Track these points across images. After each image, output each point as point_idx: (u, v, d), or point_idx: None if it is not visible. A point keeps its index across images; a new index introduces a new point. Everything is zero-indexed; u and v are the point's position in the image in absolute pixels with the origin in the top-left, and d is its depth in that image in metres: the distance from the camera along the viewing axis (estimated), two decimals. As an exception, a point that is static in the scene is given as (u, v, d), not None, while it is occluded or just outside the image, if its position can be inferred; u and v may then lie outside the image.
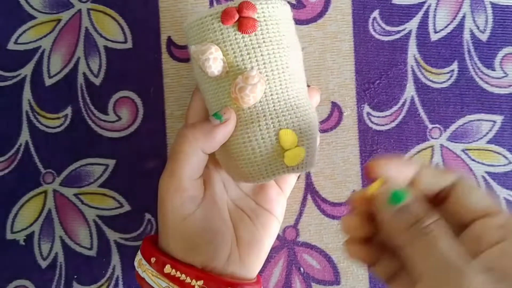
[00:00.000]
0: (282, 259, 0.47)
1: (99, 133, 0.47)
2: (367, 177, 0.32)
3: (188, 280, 0.37)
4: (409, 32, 0.48)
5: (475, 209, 0.31)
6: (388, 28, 0.48)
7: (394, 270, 0.33)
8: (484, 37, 0.48)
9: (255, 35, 0.37)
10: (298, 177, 0.47)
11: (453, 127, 0.48)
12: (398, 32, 0.48)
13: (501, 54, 0.48)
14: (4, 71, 0.47)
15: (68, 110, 0.47)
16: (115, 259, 0.47)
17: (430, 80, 0.48)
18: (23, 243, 0.47)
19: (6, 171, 0.47)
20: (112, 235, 0.47)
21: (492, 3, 0.48)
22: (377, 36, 0.48)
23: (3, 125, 0.47)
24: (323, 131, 0.48)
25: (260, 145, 0.37)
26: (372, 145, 0.48)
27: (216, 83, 0.38)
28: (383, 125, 0.48)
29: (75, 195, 0.47)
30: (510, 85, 0.48)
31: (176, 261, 0.37)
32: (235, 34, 0.37)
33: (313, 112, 0.39)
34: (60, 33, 0.47)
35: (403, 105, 0.48)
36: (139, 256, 0.40)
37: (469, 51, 0.48)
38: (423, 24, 0.48)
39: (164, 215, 0.38)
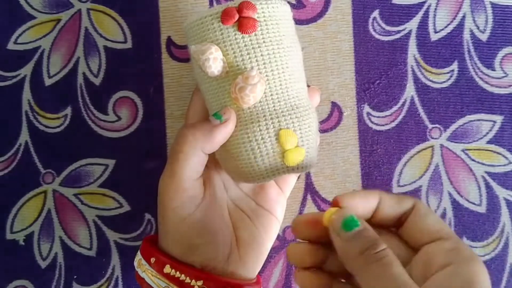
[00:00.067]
0: (282, 259, 0.47)
1: (99, 133, 0.47)
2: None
3: (187, 280, 0.37)
4: (409, 32, 0.48)
5: (430, 231, 0.32)
6: (388, 28, 0.48)
7: None
8: (484, 37, 0.48)
9: (255, 35, 0.37)
10: (298, 177, 0.47)
11: (453, 127, 0.48)
12: (398, 32, 0.48)
13: (501, 54, 0.48)
14: (3, 71, 0.47)
15: (68, 110, 0.47)
16: (115, 259, 0.47)
17: (430, 80, 0.48)
18: (23, 243, 0.47)
19: (6, 171, 0.47)
20: (112, 235, 0.47)
21: (492, 3, 0.48)
22: (377, 36, 0.48)
23: (3, 125, 0.47)
24: (323, 131, 0.48)
25: (260, 145, 0.37)
26: (372, 145, 0.48)
27: (216, 83, 0.38)
28: (383, 125, 0.48)
29: (75, 195, 0.47)
30: (510, 85, 0.48)
31: (175, 261, 0.37)
32: (235, 34, 0.37)
33: (313, 112, 0.39)
34: (59, 33, 0.47)
35: (403, 105, 0.48)
36: (138, 256, 0.40)
37: (469, 51, 0.48)
38: (423, 24, 0.48)
39: (164, 215, 0.38)
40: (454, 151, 0.48)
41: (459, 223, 0.48)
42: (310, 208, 0.47)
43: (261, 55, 0.37)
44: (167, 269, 0.37)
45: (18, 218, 0.47)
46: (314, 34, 0.48)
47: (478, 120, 0.48)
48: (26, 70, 0.47)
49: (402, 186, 0.48)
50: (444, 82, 0.48)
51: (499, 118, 0.48)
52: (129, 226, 0.47)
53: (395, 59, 0.48)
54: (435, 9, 0.48)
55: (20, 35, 0.47)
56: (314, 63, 0.48)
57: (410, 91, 0.48)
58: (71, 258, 0.47)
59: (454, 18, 0.48)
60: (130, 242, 0.47)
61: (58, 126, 0.47)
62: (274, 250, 0.47)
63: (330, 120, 0.48)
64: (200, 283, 0.36)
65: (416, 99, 0.48)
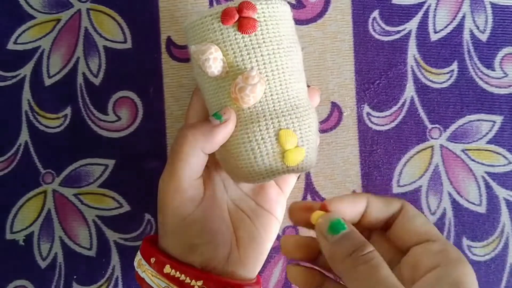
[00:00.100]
0: (282, 259, 0.47)
1: (99, 133, 0.47)
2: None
3: (187, 280, 0.37)
4: (409, 32, 0.48)
5: (418, 232, 0.33)
6: (388, 28, 0.48)
7: None
8: (484, 37, 0.48)
9: (255, 35, 0.37)
10: (298, 177, 0.47)
11: (453, 127, 0.48)
12: (398, 32, 0.48)
13: (501, 54, 0.48)
14: (3, 71, 0.47)
15: (68, 110, 0.47)
16: (115, 259, 0.47)
17: (430, 80, 0.48)
18: (23, 243, 0.47)
19: (6, 171, 0.47)
20: (112, 235, 0.47)
21: (492, 3, 0.48)
22: (377, 36, 0.48)
23: (3, 125, 0.47)
24: (323, 131, 0.48)
25: (260, 145, 0.37)
26: (372, 145, 0.48)
27: (216, 83, 0.38)
28: (383, 125, 0.48)
29: (75, 195, 0.47)
30: (510, 85, 0.48)
31: (175, 261, 0.37)
32: (235, 34, 0.37)
33: (313, 112, 0.39)
34: (59, 33, 0.47)
35: (403, 105, 0.48)
36: (138, 256, 0.40)
37: (469, 51, 0.48)
38: (423, 24, 0.48)
39: (164, 215, 0.38)
40: (454, 151, 0.48)
41: (459, 223, 0.48)
42: (310, 208, 0.47)
43: (261, 55, 0.37)
44: (167, 269, 0.37)
45: (18, 218, 0.47)
46: (314, 34, 0.48)
47: (478, 120, 0.48)
48: (26, 70, 0.47)
49: (402, 186, 0.48)
50: (444, 82, 0.48)
51: (499, 118, 0.48)
52: (129, 226, 0.47)
53: (395, 59, 0.48)
54: (435, 9, 0.48)
55: (20, 35, 0.47)
56: (314, 63, 0.48)
57: (410, 91, 0.48)
58: (71, 258, 0.47)
59: (454, 18, 0.48)
60: (130, 242, 0.47)
61: (58, 126, 0.47)
62: (274, 250, 0.47)
63: (330, 120, 0.48)
64: (200, 283, 0.36)
65: (416, 99, 0.48)
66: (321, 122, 0.48)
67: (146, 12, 0.47)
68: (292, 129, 0.37)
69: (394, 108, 0.48)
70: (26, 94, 0.47)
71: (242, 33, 0.37)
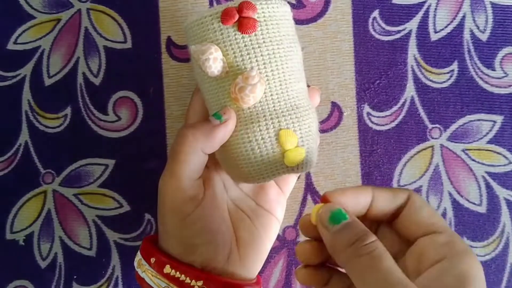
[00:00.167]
0: (282, 259, 0.47)
1: (99, 133, 0.47)
2: None
3: (187, 280, 0.37)
4: (409, 32, 0.48)
5: (424, 223, 0.32)
6: (388, 28, 0.48)
7: None
8: (484, 37, 0.48)
9: (255, 35, 0.37)
10: (298, 177, 0.47)
11: (453, 127, 0.48)
12: (398, 32, 0.48)
13: (501, 54, 0.48)
14: (3, 71, 0.47)
15: (68, 110, 0.47)
16: (115, 259, 0.47)
17: (430, 80, 0.48)
18: (23, 243, 0.47)
19: (6, 171, 0.47)
20: (112, 235, 0.47)
21: (492, 3, 0.48)
22: (377, 36, 0.48)
23: (2, 125, 0.47)
24: (323, 131, 0.48)
25: (260, 145, 0.37)
26: (372, 145, 0.48)
27: (216, 83, 0.38)
28: (383, 125, 0.48)
29: (75, 195, 0.47)
30: (510, 85, 0.48)
31: (175, 261, 0.37)
32: (235, 34, 0.37)
33: (313, 112, 0.39)
34: (59, 33, 0.47)
35: (403, 105, 0.48)
36: (138, 256, 0.40)
37: (469, 51, 0.48)
38: (423, 24, 0.48)
39: (164, 215, 0.38)
40: (454, 151, 0.48)
41: (459, 223, 0.48)
42: (310, 208, 0.47)
43: (261, 55, 0.37)
44: (167, 269, 0.37)
45: (18, 218, 0.47)
46: (314, 34, 0.48)
47: (478, 120, 0.48)
48: (26, 70, 0.47)
49: (402, 186, 0.48)
50: (444, 82, 0.48)
51: (499, 118, 0.48)
52: (129, 226, 0.47)
53: (395, 59, 0.48)
54: (435, 9, 0.48)
55: (20, 35, 0.47)
56: (314, 63, 0.48)
57: (410, 91, 0.48)
58: (71, 258, 0.47)
59: (454, 18, 0.48)
60: (130, 242, 0.47)
61: (58, 126, 0.47)
62: (274, 250, 0.47)
63: (330, 120, 0.48)
64: (200, 283, 0.36)
65: (416, 99, 0.48)
66: (321, 122, 0.48)
67: (146, 12, 0.47)
68: (292, 129, 0.37)
69: (394, 108, 0.48)
70: (26, 94, 0.47)
71: (242, 33, 0.37)
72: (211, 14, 0.37)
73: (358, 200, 0.33)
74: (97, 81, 0.47)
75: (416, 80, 0.48)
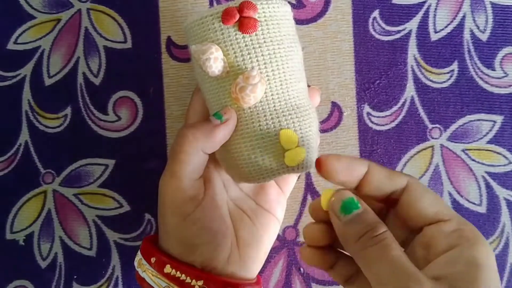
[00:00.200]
0: (282, 259, 0.47)
1: (99, 133, 0.47)
2: (318, 173, 0.33)
3: (188, 280, 0.37)
4: (409, 32, 0.48)
5: (426, 213, 0.31)
6: (388, 28, 0.48)
7: (352, 273, 0.34)
8: (484, 37, 0.48)
9: (256, 35, 0.37)
10: (298, 177, 0.47)
11: (453, 127, 0.48)
12: (398, 32, 0.48)
13: (501, 54, 0.48)
14: (3, 71, 0.47)
15: (68, 110, 0.47)
16: (115, 259, 0.47)
17: (430, 80, 0.48)
18: (23, 243, 0.47)
19: (6, 171, 0.47)
20: (112, 235, 0.47)
21: (492, 3, 0.48)
22: (377, 36, 0.48)
23: (2, 125, 0.47)
24: (323, 131, 0.48)
25: (260, 145, 0.37)
26: (372, 145, 0.48)
27: (216, 83, 0.38)
28: (383, 125, 0.48)
29: (75, 195, 0.47)
30: (510, 85, 0.48)
31: (176, 261, 0.37)
32: (236, 34, 0.37)
33: (314, 112, 0.39)
34: (59, 33, 0.47)
35: (403, 105, 0.48)
36: (139, 256, 0.40)
37: (469, 51, 0.48)
38: (423, 24, 0.48)
39: (164, 215, 0.38)
40: (454, 151, 0.48)
41: (459, 223, 0.48)
42: (310, 208, 0.47)
43: (262, 55, 0.37)
44: (168, 269, 0.37)
45: (18, 218, 0.47)
46: (314, 34, 0.48)
47: (478, 120, 0.48)
48: (26, 70, 0.47)
49: (402, 186, 0.48)
50: (444, 82, 0.48)
51: (499, 118, 0.48)
52: (129, 226, 0.47)
53: (395, 59, 0.48)
54: (435, 9, 0.48)
55: (20, 35, 0.47)
56: (314, 63, 0.48)
57: (410, 91, 0.48)
58: (71, 258, 0.47)
59: (454, 18, 0.48)
60: (130, 242, 0.47)
61: (58, 126, 0.47)
62: (274, 250, 0.47)
63: (330, 120, 0.48)
64: (200, 283, 0.36)
65: (416, 99, 0.48)
66: (321, 122, 0.48)
67: (146, 12, 0.47)
68: (292, 129, 0.37)
69: (395, 108, 0.48)
70: (26, 94, 0.47)
71: (242, 33, 0.37)
72: (211, 14, 0.37)
73: (352, 169, 0.32)
74: (97, 81, 0.47)
75: (416, 80, 0.48)
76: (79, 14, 0.47)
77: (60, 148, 0.47)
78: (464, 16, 0.48)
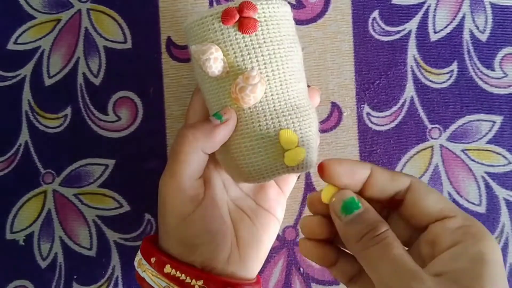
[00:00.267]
0: (282, 259, 0.47)
1: (99, 133, 0.47)
2: (321, 177, 0.33)
3: (188, 280, 0.37)
4: (409, 32, 0.48)
5: (430, 212, 0.31)
6: (387, 28, 0.48)
7: (354, 273, 0.33)
8: (483, 37, 0.48)
9: (256, 35, 0.37)
10: (298, 177, 0.47)
11: (452, 127, 0.48)
12: (398, 32, 0.48)
13: (500, 54, 0.48)
14: (3, 71, 0.47)
15: (68, 110, 0.47)
16: (115, 259, 0.47)
17: (430, 80, 0.48)
18: (23, 243, 0.47)
19: (6, 171, 0.47)
20: (112, 235, 0.47)
21: (491, 3, 0.48)
22: (377, 36, 0.48)
23: (2, 125, 0.47)
24: (323, 131, 0.48)
25: (260, 145, 0.37)
26: (372, 145, 0.48)
27: (216, 83, 0.38)
28: (382, 125, 0.48)
29: (75, 195, 0.47)
30: (509, 85, 0.48)
31: (176, 261, 0.37)
32: (236, 34, 0.37)
33: (313, 112, 0.39)
34: (59, 33, 0.47)
35: (402, 105, 0.48)
36: (139, 256, 0.40)
37: (468, 51, 0.48)
38: (422, 24, 0.48)
39: (164, 215, 0.38)
40: (453, 151, 0.48)
41: (458, 223, 0.48)
42: (310, 208, 0.47)
43: (262, 55, 0.37)
44: (168, 269, 0.37)
45: (18, 218, 0.47)
46: (314, 34, 0.48)
47: (478, 120, 0.48)
48: (26, 70, 0.47)
49: (402, 186, 0.48)
50: (444, 82, 0.48)
51: (498, 118, 0.48)
52: (129, 226, 0.47)
53: (394, 59, 0.48)
54: (435, 9, 0.48)
55: (20, 35, 0.47)
56: (314, 63, 0.48)
57: (409, 91, 0.48)
58: (71, 258, 0.47)
59: (453, 19, 0.48)
60: (130, 242, 0.47)
61: (58, 126, 0.47)
62: (274, 250, 0.47)
63: (330, 120, 0.48)
64: (200, 282, 0.36)
65: (416, 99, 0.48)
66: (321, 122, 0.48)
67: (146, 12, 0.47)
68: (292, 129, 0.37)
69: (394, 108, 0.48)
70: (26, 94, 0.47)
71: (242, 33, 0.37)
72: (211, 14, 0.37)
73: (354, 173, 0.32)
74: (97, 81, 0.47)
75: (416, 80, 0.48)
76: (79, 14, 0.47)
77: (60, 148, 0.47)
78: (463, 17, 0.48)
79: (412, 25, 0.48)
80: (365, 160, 0.48)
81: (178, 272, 0.37)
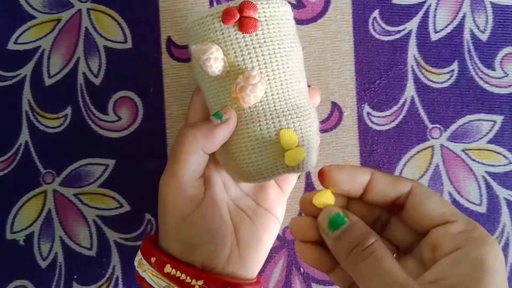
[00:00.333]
0: (282, 259, 0.47)
1: (99, 133, 0.47)
2: (321, 184, 0.33)
3: (188, 280, 0.37)
4: (409, 32, 0.48)
5: (432, 216, 0.31)
6: (388, 28, 0.48)
7: (353, 281, 0.33)
8: (484, 37, 0.48)
9: (256, 35, 0.37)
10: (298, 177, 0.47)
11: (453, 127, 0.48)
12: (398, 32, 0.48)
13: (501, 54, 0.48)
14: (3, 71, 0.47)
15: (68, 110, 0.47)
16: (115, 259, 0.47)
17: (430, 80, 0.48)
18: (23, 243, 0.47)
19: (6, 171, 0.47)
20: (112, 235, 0.47)
21: (492, 3, 0.48)
22: (377, 36, 0.48)
23: (2, 125, 0.47)
24: (323, 131, 0.48)
25: (260, 145, 0.37)
26: (372, 145, 0.48)
27: (216, 82, 0.38)
28: (383, 125, 0.48)
29: (75, 195, 0.47)
30: (510, 85, 0.48)
31: (176, 261, 0.37)
32: (236, 34, 0.37)
33: (314, 112, 0.39)
34: (60, 33, 0.47)
35: (403, 105, 0.48)
36: (139, 255, 0.40)
37: (469, 51, 0.48)
38: (423, 24, 0.48)
39: (164, 215, 0.38)
40: (454, 151, 0.48)
41: (459, 223, 0.48)
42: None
43: (262, 55, 0.37)
44: (168, 268, 0.37)
45: (18, 218, 0.47)
46: (314, 34, 0.48)
47: (478, 120, 0.48)
48: (26, 70, 0.47)
49: (402, 186, 0.48)
50: (444, 82, 0.48)
51: (499, 118, 0.48)
52: (129, 226, 0.47)
53: (395, 59, 0.48)
54: (435, 9, 0.48)
55: (20, 35, 0.47)
56: (314, 63, 0.48)
57: (410, 91, 0.48)
58: (71, 258, 0.47)
59: (454, 18, 0.48)
60: (130, 242, 0.47)
61: (58, 126, 0.47)
62: (274, 250, 0.47)
63: (330, 120, 0.48)
64: (200, 282, 0.36)
65: (416, 99, 0.48)
66: (322, 122, 0.48)
67: (146, 12, 0.47)
68: (292, 129, 0.37)
69: (395, 108, 0.48)
70: (26, 94, 0.47)
71: (243, 32, 0.37)
72: (212, 14, 0.37)
73: (354, 178, 0.32)
74: (97, 81, 0.47)
75: (416, 80, 0.48)
76: (79, 14, 0.47)
77: (60, 148, 0.47)
78: (464, 16, 0.48)
79: (412, 24, 0.48)
80: (366, 160, 0.48)
81: (178, 272, 0.37)
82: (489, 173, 0.48)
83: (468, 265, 0.27)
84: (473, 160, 0.48)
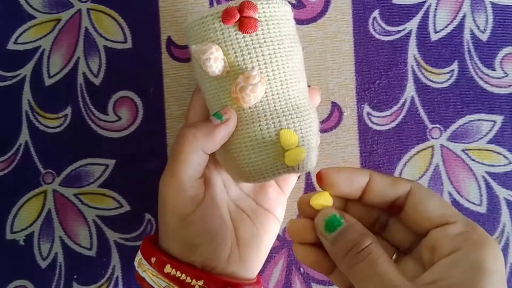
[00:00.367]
0: (282, 259, 0.47)
1: (99, 133, 0.47)
2: (320, 186, 0.33)
3: (188, 280, 0.37)
4: (409, 32, 0.48)
5: (431, 217, 0.31)
6: (388, 28, 0.48)
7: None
8: (484, 37, 0.48)
9: (256, 34, 0.37)
10: (298, 177, 0.47)
11: (453, 127, 0.48)
12: (398, 32, 0.48)
13: (501, 54, 0.48)
14: (3, 71, 0.47)
15: (68, 110, 0.47)
16: (115, 259, 0.47)
17: (430, 80, 0.48)
18: (23, 243, 0.47)
19: (6, 171, 0.47)
20: (112, 235, 0.47)
21: (492, 3, 0.48)
22: (377, 36, 0.48)
23: (2, 125, 0.47)
24: (323, 131, 0.48)
25: (260, 145, 0.37)
26: (372, 145, 0.48)
27: (216, 82, 0.38)
28: (383, 125, 0.48)
29: (75, 195, 0.47)
30: (510, 85, 0.48)
31: (176, 261, 0.37)
32: (236, 34, 0.37)
33: (314, 112, 0.39)
34: (60, 33, 0.47)
35: (403, 105, 0.48)
36: (139, 256, 0.40)
37: (469, 51, 0.48)
38: (423, 24, 0.48)
39: (164, 215, 0.38)
40: (454, 151, 0.48)
41: (459, 223, 0.48)
42: (310, 208, 0.47)
43: (262, 55, 0.37)
44: (168, 268, 0.37)
45: (18, 218, 0.47)
46: (314, 34, 0.48)
47: (478, 120, 0.48)
48: (26, 70, 0.47)
49: (402, 186, 0.48)
50: (444, 82, 0.48)
51: (499, 118, 0.48)
52: (129, 226, 0.47)
53: (395, 59, 0.48)
54: (435, 9, 0.48)
55: (20, 35, 0.47)
56: (314, 63, 0.48)
57: (410, 91, 0.48)
58: (71, 258, 0.47)
59: (454, 18, 0.48)
60: (130, 242, 0.47)
61: (58, 126, 0.47)
62: (274, 250, 0.47)
63: (330, 120, 0.48)
64: (200, 282, 0.36)
65: (416, 99, 0.48)
66: (322, 122, 0.48)
67: (146, 12, 0.47)
68: (292, 129, 0.37)
69: (395, 108, 0.48)
70: (26, 94, 0.47)
71: (243, 32, 0.37)
72: (212, 14, 0.37)
73: (353, 180, 0.32)
74: (97, 81, 0.47)
75: (416, 80, 0.48)
76: (79, 14, 0.47)
77: (60, 148, 0.47)
78: (464, 16, 0.48)
79: (412, 24, 0.48)
80: (366, 160, 0.48)
81: (178, 272, 0.37)
82: (489, 173, 0.48)
83: (466, 267, 0.27)
84: (473, 160, 0.48)
